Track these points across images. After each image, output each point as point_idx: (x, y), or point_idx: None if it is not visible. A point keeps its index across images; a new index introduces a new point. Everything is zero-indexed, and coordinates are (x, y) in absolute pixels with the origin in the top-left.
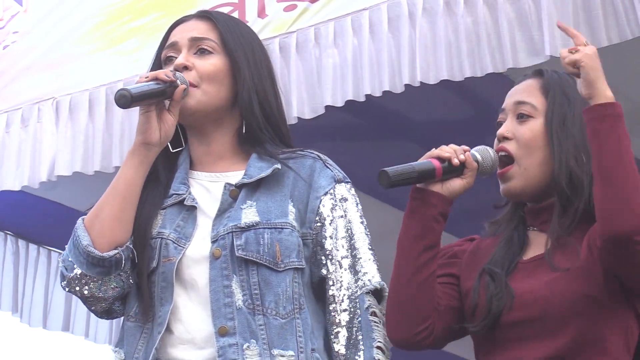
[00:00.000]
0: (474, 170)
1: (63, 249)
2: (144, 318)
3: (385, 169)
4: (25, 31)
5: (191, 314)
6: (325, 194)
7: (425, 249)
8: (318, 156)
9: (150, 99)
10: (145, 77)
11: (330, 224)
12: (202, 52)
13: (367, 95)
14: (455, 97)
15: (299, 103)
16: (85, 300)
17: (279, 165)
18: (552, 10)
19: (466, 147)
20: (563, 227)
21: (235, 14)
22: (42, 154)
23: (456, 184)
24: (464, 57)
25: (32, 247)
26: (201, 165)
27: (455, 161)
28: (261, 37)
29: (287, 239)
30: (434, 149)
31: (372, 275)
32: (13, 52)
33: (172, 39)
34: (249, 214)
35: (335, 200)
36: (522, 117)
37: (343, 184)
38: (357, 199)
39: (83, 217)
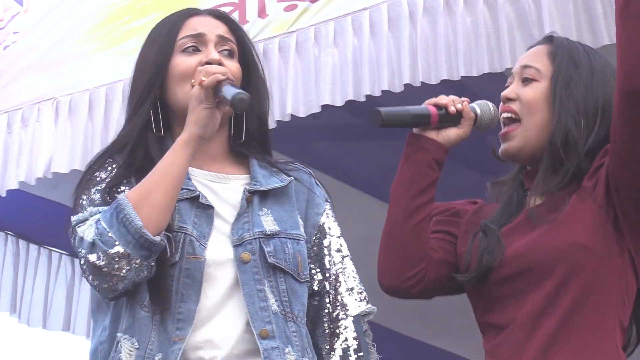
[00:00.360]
0: (471, 120)
1: (64, 249)
2: (155, 309)
3: (379, 108)
4: (26, 31)
5: (210, 315)
6: (324, 211)
7: (419, 194)
8: (310, 172)
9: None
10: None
11: (329, 241)
12: (228, 53)
13: (367, 95)
14: (455, 95)
15: (294, 101)
16: (114, 279)
17: (292, 178)
18: (553, 10)
19: (465, 98)
20: (549, 184)
21: (236, 14)
22: (40, 152)
23: (452, 132)
24: (462, 56)
25: (33, 247)
26: (195, 161)
27: (452, 109)
28: (261, 37)
29: (303, 251)
30: (432, 97)
31: (365, 297)
32: (13, 52)
33: (197, 29)
34: (268, 221)
35: (329, 218)
36: (526, 81)
37: (329, 203)
38: None
39: (124, 195)
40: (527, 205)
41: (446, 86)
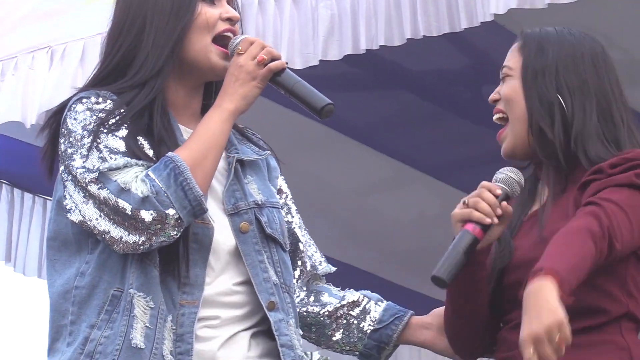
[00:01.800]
0: (510, 213)
1: None
2: (163, 270)
3: (435, 274)
4: None
5: (211, 281)
6: (280, 173)
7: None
8: (262, 139)
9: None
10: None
11: (291, 202)
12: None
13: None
14: (453, 47)
15: (289, 52)
16: (154, 237)
17: (268, 152)
18: None
19: (496, 191)
20: (558, 185)
21: None
22: (31, 98)
23: (495, 232)
24: (460, 7)
25: (28, 196)
26: (179, 117)
27: (494, 220)
28: None
29: (283, 220)
30: (461, 208)
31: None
32: (8, 2)
33: None
34: (255, 190)
35: (283, 181)
36: (503, 79)
37: (278, 166)
38: None
39: (177, 155)
40: (538, 194)
41: (444, 36)
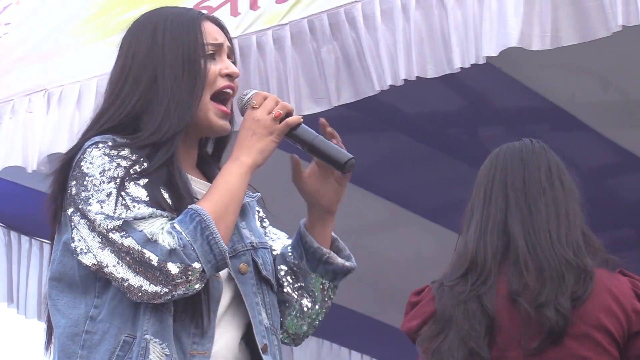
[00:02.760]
0: None
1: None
2: (175, 319)
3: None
4: (18, 23)
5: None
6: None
7: None
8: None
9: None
10: None
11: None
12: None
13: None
14: (447, 88)
15: (296, 96)
16: (177, 289)
17: (259, 194)
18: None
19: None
20: None
21: (227, 6)
22: (30, 142)
23: None
24: (456, 49)
25: (24, 239)
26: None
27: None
28: (254, 29)
29: (272, 260)
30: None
31: None
32: (5, 44)
33: (217, 38)
34: (246, 232)
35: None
36: None
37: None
38: None
39: (202, 208)
40: None
41: (437, 78)
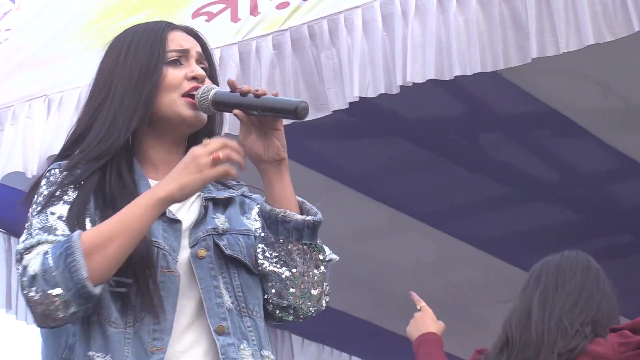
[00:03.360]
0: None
1: None
2: (123, 323)
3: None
4: (18, 28)
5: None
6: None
7: None
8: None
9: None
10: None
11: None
12: (204, 69)
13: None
14: (448, 94)
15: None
16: (49, 317)
17: (244, 189)
18: (544, 9)
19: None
20: None
21: (228, 12)
22: (30, 148)
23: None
24: (455, 56)
25: None
26: (155, 173)
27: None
28: (254, 34)
29: (255, 245)
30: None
31: None
32: (5, 50)
33: (182, 45)
34: (220, 220)
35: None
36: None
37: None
38: None
39: (78, 235)
40: None
41: (438, 84)
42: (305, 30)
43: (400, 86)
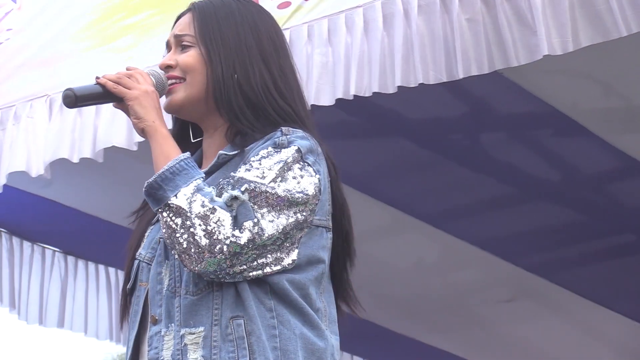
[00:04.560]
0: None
1: (57, 247)
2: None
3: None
4: (19, 28)
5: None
6: (262, 149)
7: None
8: (280, 131)
9: (94, 100)
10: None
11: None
12: (183, 47)
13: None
14: (449, 94)
15: None
16: None
17: (223, 153)
18: (547, 7)
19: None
20: None
21: None
22: (32, 148)
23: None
24: (459, 56)
25: (27, 245)
26: (207, 160)
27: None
28: None
29: None
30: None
31: None
32: (6, 50)
33: (168, 37)
34: None
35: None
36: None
37: (275, 141)
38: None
39: None
40: None
41: (440, 83)
42: (304, 30)
43: (400, 86)
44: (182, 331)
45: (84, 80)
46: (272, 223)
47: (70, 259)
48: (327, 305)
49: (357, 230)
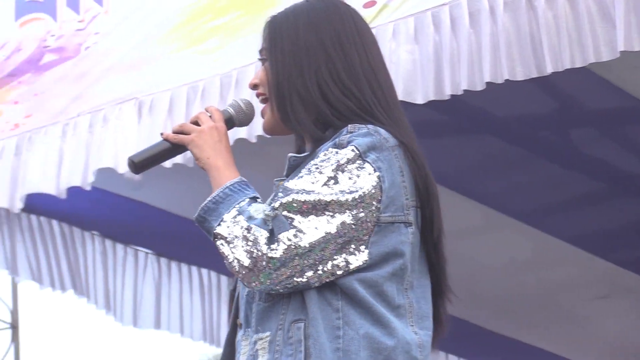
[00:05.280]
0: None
1: (149, 248)
2: None
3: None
4: (107, 32)
5: None
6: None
7: None
8: (347, 129)
9: (160, 159)
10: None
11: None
12: (262, 61)
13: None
14: (538, 91)
15: None
16: None
17: (293, 156)
18: (631, 3)
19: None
20: None
21: None
22: (121, 150)
23: None
24: (545, 52)
25: (119, 247)
26: None
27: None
28: None
29: None
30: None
31: None
32: (95, 53)
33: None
34: None
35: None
36: None
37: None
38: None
39: None
40: None
41: (528, 80)
42: (390, 29)
43: (488, 83)
44: (254, 337)
45: (171, 83)
46: (313, 229)
47: (163, 260)
48: (416, 301)
49: (449, 229)
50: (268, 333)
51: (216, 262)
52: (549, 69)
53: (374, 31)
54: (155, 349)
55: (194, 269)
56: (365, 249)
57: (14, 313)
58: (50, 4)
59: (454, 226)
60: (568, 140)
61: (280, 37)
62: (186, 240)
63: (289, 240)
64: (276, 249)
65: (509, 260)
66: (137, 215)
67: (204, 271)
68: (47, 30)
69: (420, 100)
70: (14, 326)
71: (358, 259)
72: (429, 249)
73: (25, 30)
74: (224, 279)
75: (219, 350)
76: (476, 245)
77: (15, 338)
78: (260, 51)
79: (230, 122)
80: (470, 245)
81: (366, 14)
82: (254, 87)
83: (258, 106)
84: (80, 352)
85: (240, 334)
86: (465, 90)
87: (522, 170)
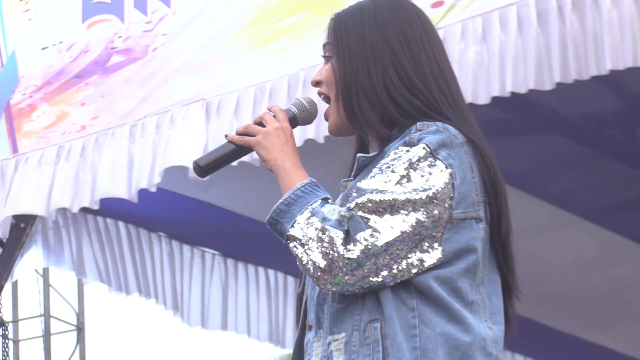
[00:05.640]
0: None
1: (216, 249)
2: None
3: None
4: (174, 33)
5: None
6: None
7: None
8: (416, 127)
9: (226, 161)
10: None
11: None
12: (326, 59)
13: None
14: (605, 90)
15: None
16: None
17: (362, 156)
18: None
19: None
20: None
21: None
22: (196, 149)
23: None
24: (608, 51)
25: (186, 248)
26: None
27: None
28: None
29: None
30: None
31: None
32: (162, 55)
33: None
34: None
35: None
36: None
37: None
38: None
39: None
40: None
41: (596, 79)
42: (458, 28)
43: (557, 83)
44: (328, 338)
45: (238, 84)
46: (389, 229)
47: (230, 261)
48: (487, 297)
49: (515, 227)
50: (343, 334)
51: (282, 262)
52: (609, 67)
53: (441, 31)
54: (222, 350)
55: (261, 269)
56: (438, 246)
57: (80, 315)
58: (117, 5)
59: (520, 225)
60: (634, 139)
61: (346, 35)
62: (253, 241)
63: (366, 240)
64: (353, 250)
65: (574, 259)
66: (203, 217)
67: (271, 272)
68: (114, 31)
69: (484, 100)
70: (80, 328)
71: (432, 256)
72: (497, 247)
73: (93, 31)
74: (290, 279)
75: (285, 352)
76: (542, 244)
77: (81, 340)
78: (324, 46)
79: (294, 121)
80: (536, 244)
81: (434, 14)
82: (317, 84)
83: (320, 104)
84: (145, 354)
85: (310, 335)
86: (530, 90)
87: (588, 169)
